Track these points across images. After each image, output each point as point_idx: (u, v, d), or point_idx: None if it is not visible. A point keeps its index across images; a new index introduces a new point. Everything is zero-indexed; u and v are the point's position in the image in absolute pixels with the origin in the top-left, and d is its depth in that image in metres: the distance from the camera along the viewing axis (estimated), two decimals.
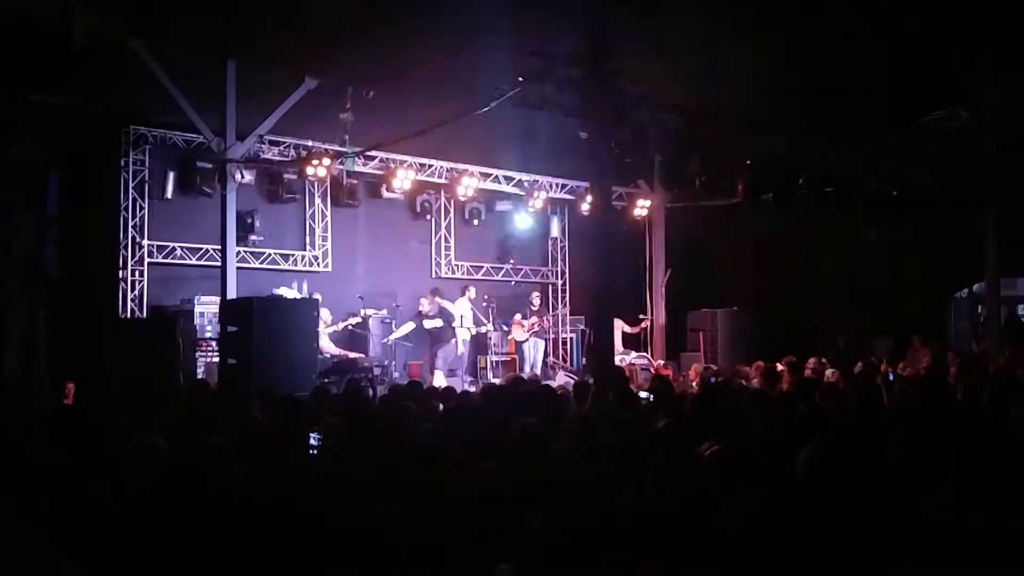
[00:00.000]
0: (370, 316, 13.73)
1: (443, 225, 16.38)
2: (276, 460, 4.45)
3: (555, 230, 17.38)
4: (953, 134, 12.10)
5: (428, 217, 16.01)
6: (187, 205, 13.16)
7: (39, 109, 10.85)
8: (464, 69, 10.32)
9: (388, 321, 14.12)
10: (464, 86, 10.52)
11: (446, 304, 14.15)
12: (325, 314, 12.40)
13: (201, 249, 13.09)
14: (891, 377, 9.72)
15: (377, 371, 12.64)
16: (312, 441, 4.92)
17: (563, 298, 17.75)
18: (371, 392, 10.47)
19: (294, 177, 13.62)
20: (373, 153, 13.27)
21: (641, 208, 16.15)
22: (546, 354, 15.95)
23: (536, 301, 15.69)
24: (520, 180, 15.45)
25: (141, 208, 12.81)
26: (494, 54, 9.70)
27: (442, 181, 14.73)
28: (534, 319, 15.30)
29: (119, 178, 12.56)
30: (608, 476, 3.97)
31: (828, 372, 9.87)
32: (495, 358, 15.15)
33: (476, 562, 3.03)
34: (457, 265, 16.51)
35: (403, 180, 13.81)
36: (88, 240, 12.09)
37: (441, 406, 7.14)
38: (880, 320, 14.59)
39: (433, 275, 16.06)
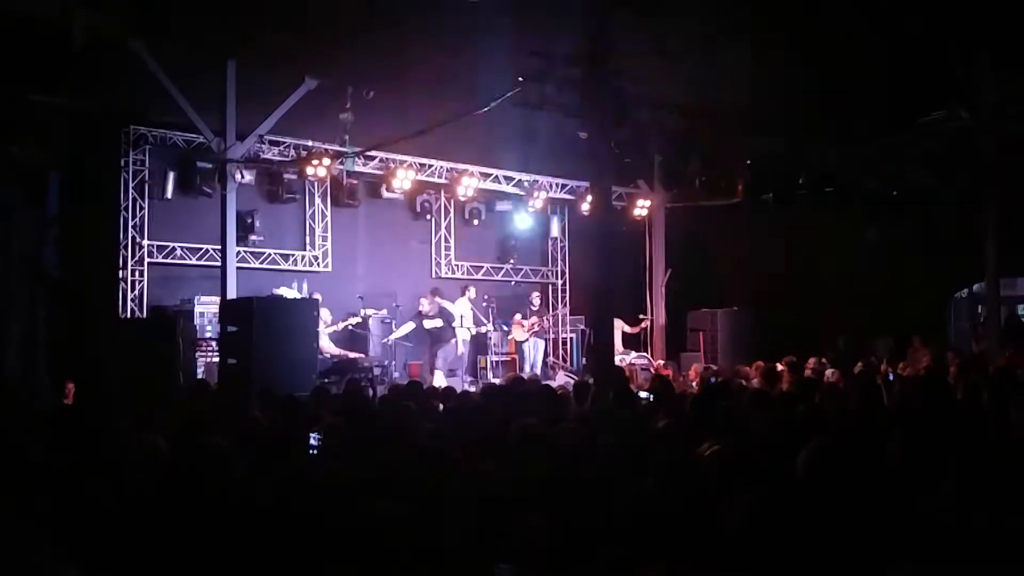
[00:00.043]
0: (370, 316, 13.73)
1: (443, 225, 16.38)
2: (276, 460, 4.45)
3: (555, 230, 17.39)
4: (953, 134, 12.09)
5: (428, 217, 16.01)
6: (187, 205, 13.16)
7: (39, 109, 10.85)
8: (464, 69, 10.32)
9: (388, 321, 14.12)
10: (464, 86, 10.52)
11: (446, 304, 14.15)
12: (325, 314, 12.40)
13: (201, 249, 13.08)
14: (891, 377, 9.72)
15: (377, 371, 12.64)
16: (312, 441, 4.92)
17: (563, 298, 17.75)
18: (371, 392, 10.47)
19: (294, 177, 13.61)
20: (373, 153, 13.26)
21: (641, 208, 16.15)
22: (546, 354, 15.95)
23: (536, 301, 15.69)
24: (520, 180, 15.45)
25: (141, 208, 12.81)
26: (494, 54, 9.70)
27: (442, 181, 14.73)
28: (534, 319, 15.30)
29: (119, 178, 12.56)
30: (608, 476, 3.97)
31: (828, 372, 9.87)
32: (495, 358, 15.15)
33: (476, 562, 3.03)
34: (457, 265, 16.51)
35: (403, 180, 13.81)
36: (88, 240, 12.09)
37: (441, 406, 7.15)
38: (880, 320, 14.59)
39: (433, 275, 16.06)
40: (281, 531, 3.18)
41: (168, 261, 13.00)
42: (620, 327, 14.61)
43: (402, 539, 2.56)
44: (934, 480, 3.00)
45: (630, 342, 15.75)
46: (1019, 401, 6.02)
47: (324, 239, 14.81)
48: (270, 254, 14.06)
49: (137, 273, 12.68)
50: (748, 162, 12.32)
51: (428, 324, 13.65)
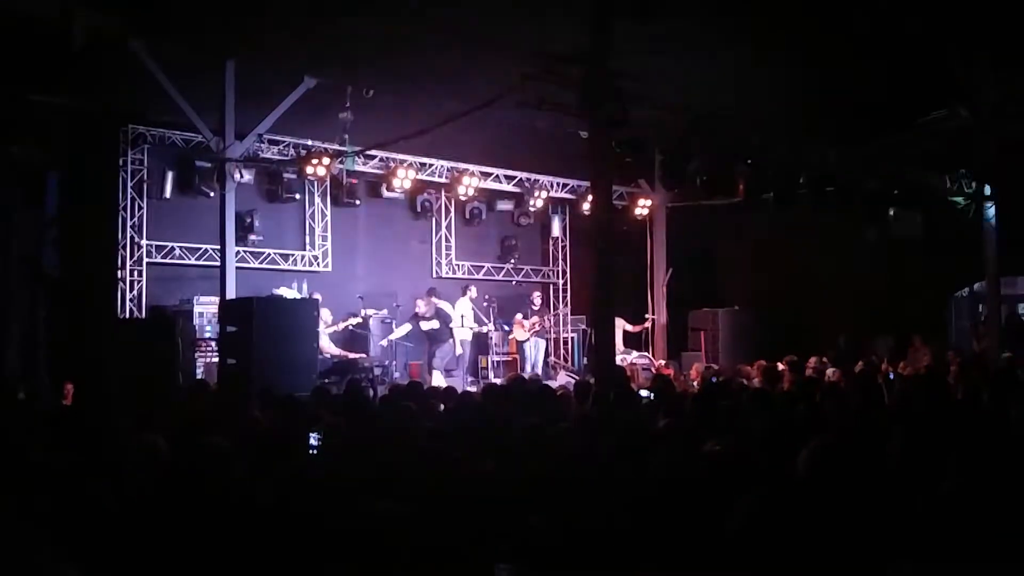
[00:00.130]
0: (370, 316, 13.74)
1: (443, 224, 16.38)
2: (276, 460, 4.45)
3: (556, 229, 17.40)
4: (953, 134, 12.09)
5: (429, 216, 16.02)
6: (186, 205, 13.16)
7: (39, 109, 10.84)
8: (464, 69, 10.31)
9: (388, 321, 14.12)
10: (464, 86, 10.51)
11: (443, 305, 14.15)
12: (325, 314, 12.41)
13: (200, 249, 13.08)
14: (892, 376, 9.74)
15: (377, 371, 12.66)
16: (312, 441, 4.92)
17: (564, 298, 17.76)
18: (371, 392, 10.48)
19: (294, 177, 13.61)
20: (373, 152, 13.26)
21: (642, 207, 16.14)
22: (547, 354, 15.96)
23: (537, 301, 15.69)
24: (520, 179, 15.45)
25: (140, 208, 12.82)
26: (494, 54, 9.69)
27: (442, 180, 14.72)
28: (535, 319, 15.30)
29: (118, 178, 12.57)
30: (608, 476, 3.97)
31: (829, 371, 9.89)
32: (496, 358, 15.16)
33: (476, 562, 3.02)
34: (458, 265, 16.51)
35: (403, 179, 13.80)
36: (88, 240, 12.08)
37: (442, 406, 7.15)
38: (881, 319, 14.60)
39: (433, 275, 16.06)
40: (281, 531, 3.18)
41: (167, 261, 13.01)
42: (621, 326, 14.60)
43: (402, 539, 2.56)
44: (934, 479, 3.00)
45: (631, 341, 15.74)
46: (1019, 400, 6.02)
47: (324, 239, 14.81)
48: (270, 254, 14.06)
49: (136, 273, 12.69)
50: (748, 161, 12.31)
51: (425, 326, 13.65)
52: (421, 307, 13.74)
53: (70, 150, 11.61)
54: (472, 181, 14.65)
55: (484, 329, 14.88)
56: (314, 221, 14.74)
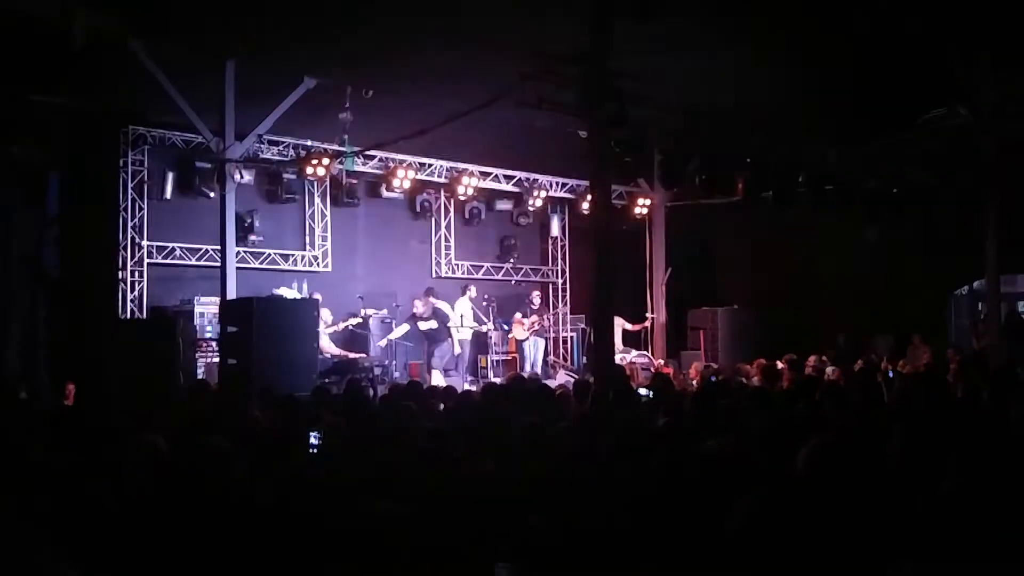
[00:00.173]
0: (370, 316, 13.74)
1: (443, 224, 16.38)
2: (276, 460, 4.45)
3: (555, 229, 17.40)
4: (953, 133, 12.09)
5: (428, 216, 16.02)
6: (186, 205, 13.16)
7: (39, 109, 10.85)
8: (464, 69, 10.31)
9: (388, 321, 14.13)
10: (464, 86, 10.51)
11: (440, 304, 14.16)
12: (325, 314, 12.41)
13: (200, 249, 13.09)
14: (891, 375, 9.73)
15: (377, 371, 12.66)
16: (312, 441, 4.92)
17: (563, 297, 17.76)
18: (371, 392, 10.48)
19: (293, 177, 13.61)
20: (372, 153, 13.26)
21: (641, 207, 16.15)
22: (546, 353, 15.96)
23: (536, 300, 15.69)
24: (520, 179, 15.45)
25: (140, 208, 12.82)
26: (494, 54, 9.69)
27: (442, 180, 14.73)
28: (534, 318, 15.30)
29: (118, 178, 12.57)
30: (608, 475, 3.97)
31: (828, 370, 9.89)
32: (496, 357, 15.16)
33: (476, 562, 3.03)
34: (457, 264, 16.52)
35: (403, 180, 13.81)
36: (88, 240, 12.10)
37: (442, 406, 7.15)
38: (880, 318, 14.60)
39: (433, 275, 16.06)
40: (281, 531, 3.18)
41: (167, 261, 13.01)
42: (621, 325, 14.60)
43: (402, 539, 2.56)
44: (934, 478, 3.00)
45: (631, 340, 15.75)
46: (1019, 398, 6.02)
47: (324, 239, 14.81)
48: (270, 254, 14.06)
49: (137, 273, 12.69)
50: (748, 160, 12.31)
51: (423, 326, 13.65)
52: (419, 307, 13.74)
53: (70, 150, 11.62)
54: (471, 181, 14.65)
55: (484, 328, 14.88)
56: (314, 221, 14.74)
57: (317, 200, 14.74)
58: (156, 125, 12.51)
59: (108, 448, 4.43)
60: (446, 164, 14.49)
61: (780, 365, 9.76)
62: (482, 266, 16.76)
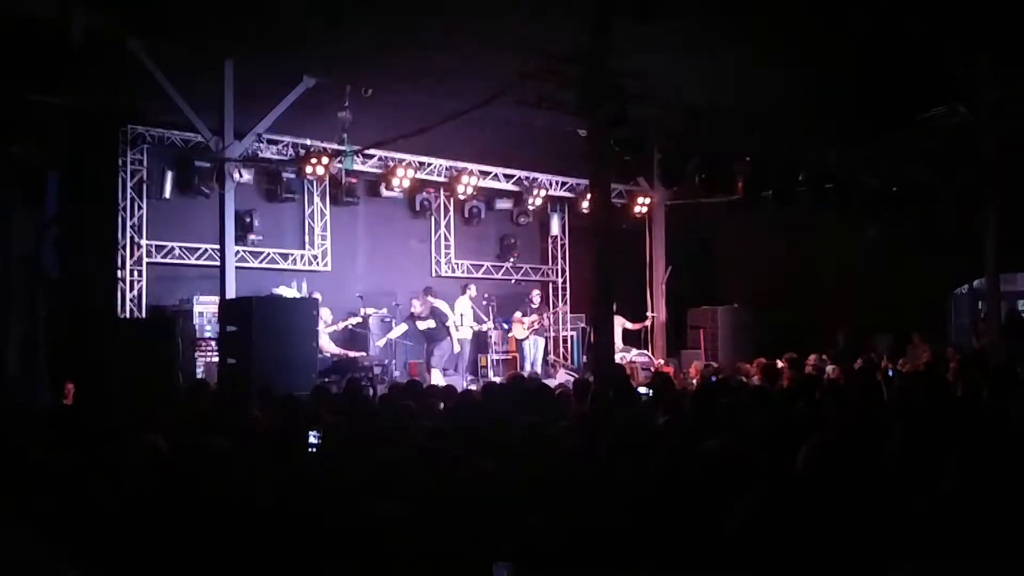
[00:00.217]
0: (370, 315, 13.74)
1: (443, 223, 16.38)
2: (276, 460, 4.45)
3: (555, 228, 17.40)
4: (953, 132, 12.09)
5: (428, 215, 16.01)
6: (185, 205, 13.16)
7: (38, 109, 10.84)
8: (464, 68, 10.31)
9: (388, 320, 14.13)
10: (463, 85, 10.51)
11: (439, 304, 14.13)
12: (325, 313, 12.41)
13: (200, 249, 13.08)
14: (891, 373, 9.73)
15: (377, 370, 12.66)
16: (312, 441, 4.92)
17: (563, 296, 17.76)
18: (371, 391, 10.48)
19: (293, 176, 13.61)
20: (372, 152, 13.26)
21: (641, 206, 16.15)
22: (546, 352, 15.95)
23: (536, 299, 15.69)
24: (520, 178, 15.45)
25: (139, 208, 12.82)
26: (493, 53, 9.69)
27: (441, 179, 14.73)
28: (534, 317, 15.29)
29: (117, 178, 12.56)
30: (607, 475, 3.97)
31: (828, 369, 9.90)
32: (495, 356, 15.17)
33: (476, 562, 3.03)
34: (457, 263, 16.51)
35: (402, 179, 13.80)
36: (87, 240, 12.09)
37: (442, 405, 7.15)
38: (880, 316, 14.60)
39: (433, 274, 16.06)
40: (281, 531, 3.18)
41: (167, 261, 13.00)
42: (621, 324, 14.60)
43: (402, 539, 2.56)
44: (934, 478, 2.99)
45: (631, 339, 15.75)
46: (1019, 397, 6.02)
47: (323, 238, 14.81)
48: (269, 253, 14.06)
49: (136, 273, 12.68)
50: (748, 159, 12.32)
51: (421, 325, 13.64)
52: (416, 307, 13.74)
53: (70, 150, 11.61)
54: (471, 180, 14.65)
55: (483, 327, 14.88)
56: (313, 220, 14.74)
57: (316, 199, 14.74)
58: (155, 124, 12.51)
59: (108, 448, 4.43)
60: (446, 163, 14.48)
61: (780, 364, 9.76)
62: (482, 265, 16.75)
